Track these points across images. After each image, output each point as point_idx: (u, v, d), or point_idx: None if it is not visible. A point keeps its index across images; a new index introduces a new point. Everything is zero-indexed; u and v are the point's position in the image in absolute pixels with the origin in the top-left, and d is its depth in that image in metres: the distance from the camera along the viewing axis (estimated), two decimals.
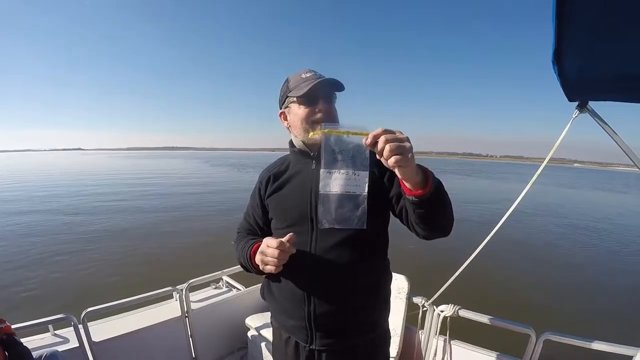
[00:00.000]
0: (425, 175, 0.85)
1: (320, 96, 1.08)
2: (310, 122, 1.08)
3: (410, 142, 0.76)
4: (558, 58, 1.10)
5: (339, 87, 1.11)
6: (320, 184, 0.88)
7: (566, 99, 1.54)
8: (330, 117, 1.09)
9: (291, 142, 1.21)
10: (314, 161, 1.14)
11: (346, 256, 1.07)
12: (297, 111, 1.10)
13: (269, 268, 1.01)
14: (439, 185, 0.88)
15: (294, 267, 1.05)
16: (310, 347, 1.12)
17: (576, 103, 1.58)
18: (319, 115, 1.08)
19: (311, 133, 1.02)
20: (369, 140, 0.77)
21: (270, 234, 1.21)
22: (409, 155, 0.75)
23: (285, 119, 1.18)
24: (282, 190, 1.18)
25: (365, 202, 0.89)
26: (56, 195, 17.76)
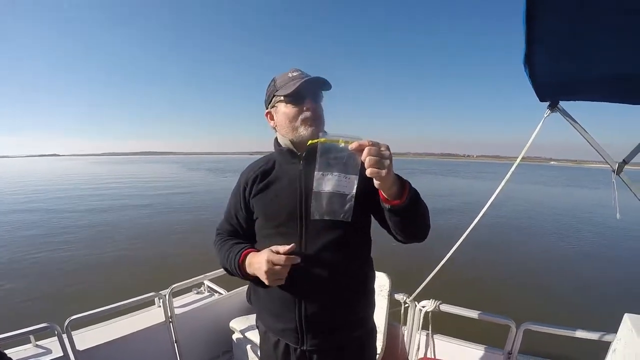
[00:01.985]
0: (403, 187, 0.92)
1: (308, 95, 1.08)
2: (298, 121, 1.09)
3: (390, 158, 0.82)
4: (529, 59, 1.13)
5: (326, 85, 1.12)
6: (315, 184, 0.90)
7: (537, 99, 1.59)
8: (317, 116, 1.10)
9: (277, 141, 1.20)
10: (301, 161, 1.13)
11: (334, 255, 1.07)
12: (285, 110, 1.10)
13: (278, 282, 1.01)
14: (414, 197, 0.93)
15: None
16: (302, 348, 1.12)
17: (547, 103, 1.64)
18: (306, 113, 1.08)
19: (310, 142, 1.00)
20: (353, 146, 0.82)
21: (253, 235, 1.20)
22: (386, 170, 0.81)
23: (272, 118, 1.17)
24: (269, 190, 1.16)
25: (353, 200, 0.92)
26: (34, 200, 17.41)
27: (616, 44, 0.99)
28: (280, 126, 1.15)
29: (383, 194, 0.90)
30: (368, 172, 0.80)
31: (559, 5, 0.85)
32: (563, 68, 1.24)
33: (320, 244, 1.07)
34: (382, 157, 0.81)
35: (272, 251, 1.00)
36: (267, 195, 1.16)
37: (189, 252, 7.81)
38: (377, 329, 1.31)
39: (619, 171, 1.59)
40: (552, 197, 23.61)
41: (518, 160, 1.93)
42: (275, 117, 1.16)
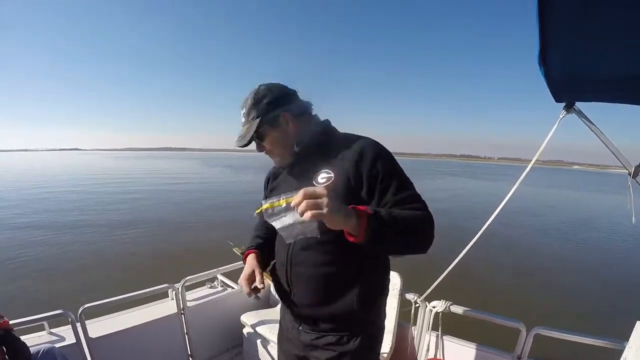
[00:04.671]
0: (361, 222, 0.86)
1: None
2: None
3: (327, 196, 0.81)
4: (543, 59, 1.13)
5: (250, 140, 1.12)
6: (276, 227, 0.91)
7: (553, 100, 1.57)
8: (270, 154, 1.19)
9: None
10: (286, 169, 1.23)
11: (315, 256, 1.09)
12: None
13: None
14: (376, 232, 0.87)
15: (280, 263, 1.19)
16: (300, 338, 1.21)
17: (563, 104, 1.63)
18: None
19: (255, 212, 1.02)
20: (292, 204, 0.84)
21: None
22: (324, 212, 0.80)
23: None
24: (273, 192, 1.22)
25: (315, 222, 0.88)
26: (56, 193, 18.03)
27: (630, 44, 0.97)
28: None
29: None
30: (306, 215, 0.79)
31: (570, 5, 0.85)
32: (577, 68, 1.24)
33: (306, 243, 1.09)
34: (317, 197, 0.81)
35: (252, 272, 1.15)
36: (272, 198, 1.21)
37: (204, 246, 7.94)
38: (386, 327, 1.30)
39: (635, 174, 1.56)
40: (569, 201, 23.31)
41: (532, 161, 1.90)
42: None
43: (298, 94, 1.18)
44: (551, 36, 0.98)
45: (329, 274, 1.09)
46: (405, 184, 1.03)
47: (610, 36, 0.95)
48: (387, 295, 1.23)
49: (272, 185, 1.29)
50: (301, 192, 0.81)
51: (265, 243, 1.29)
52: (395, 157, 1.06)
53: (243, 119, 1.13)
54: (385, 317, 1.26)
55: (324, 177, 1.06)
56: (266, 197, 1.20)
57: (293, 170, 1.18)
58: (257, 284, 1.12)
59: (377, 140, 1.08)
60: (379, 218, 0.87)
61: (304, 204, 0.80)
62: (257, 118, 1.09)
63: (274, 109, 1.10)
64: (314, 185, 0.99)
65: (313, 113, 1.18)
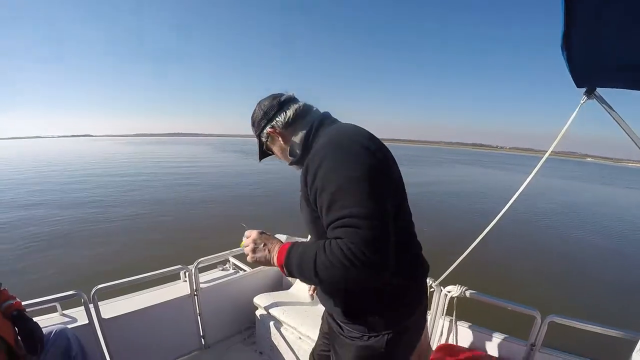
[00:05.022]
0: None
1: None
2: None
3: (251, 244, 1.04)
4: (567, 43, 1.10)
5: (261, 157, 1.25)
6: None
7: (574, 84, 1.53)
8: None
9: None
10: None
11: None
12: None
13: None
14: (290, 274, 0.94)
15: None
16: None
17: (584, 89, 1.57)
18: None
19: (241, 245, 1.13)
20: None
21: None
22: (250, 255, 1.04)
23: None
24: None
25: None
26: (70, 177, 18.45)
27: None
28: None
29: None
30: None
31: None
32: (600, 53, 1.21)
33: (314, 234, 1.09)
34: (245, 245, 1.06)
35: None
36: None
37: (216, 230, 8.05)
38: None
39: None
40: (586, 193, 23.01)
41: (550, 149, 1.85)
42: None
43: (293, 95, 1.17)
44: (575, 20, 0.95)
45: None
46: (334, 202, 0.84)
47: (635, 21, 0.92)
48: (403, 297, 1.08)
49: None
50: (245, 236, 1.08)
51: None
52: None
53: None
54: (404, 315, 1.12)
55: (301, 189, 1.03)
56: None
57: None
58: None
59: (330, 141, 0.95)
60: (288, 266, 0.94)
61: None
62: (257, 137, 1.18)
63: (265, 125, 1.14)
64: (300, 195, 1.05)
65: (313, 108, 1.15)
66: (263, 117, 1.13)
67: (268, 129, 1.12)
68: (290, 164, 1.16)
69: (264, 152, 1.21)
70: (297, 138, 1.10)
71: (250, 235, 1.05)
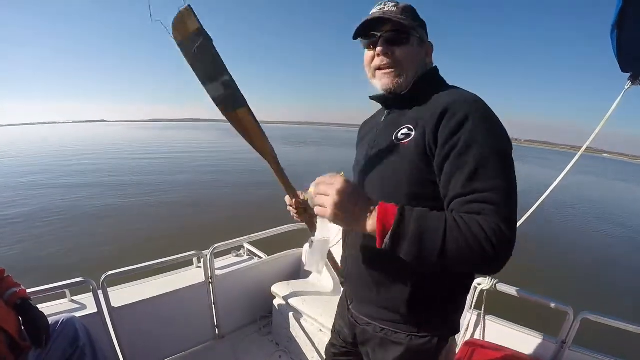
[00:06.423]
0: (381, 226, 0.69)
1: (370, 35, 0.90)
2: (370, 69, 0.93)
3: (335, 195, 0.69)
4: (620, 26, 1.10)
5: (385, 21, 0.86)
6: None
7: (619, 69, 1.51)
8: (383, 64, 0.89)
9: None
10: (386, 111, 1.01)
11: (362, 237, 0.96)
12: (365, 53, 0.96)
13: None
14: (397, 240, 0.67)
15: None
16: (349, 306, 1.09)
17: (628, 74, 1.55)
18: (375, 61, 0.90)
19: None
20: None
21: None
22: (329, 210, 0.70)
23: None
24: (360, 142, 1.12)
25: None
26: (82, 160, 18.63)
27: None
28: None
29: None
30: (315, 211, 0.74)
31: None
32: None
33: None
34: (323, 194, 0.72)
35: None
36: (357, 148, 1.14)
37: (230, 215, 8.01)
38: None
39: None
40: (617, 190, 23.05)
41: (589, 141, 1.79)
42: None
43: None
44: (629, 5, 0.98)
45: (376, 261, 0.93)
46: (486, 169, 0.70)
47: None
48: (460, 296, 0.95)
49: (361, 135, 1.15)
50: (316, 182, 0.75)
51: None
52: None
53: (387, 7, 0.88)
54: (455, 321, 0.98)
55: (403, 133, 0.86)
56: (356, 147, 1.14)
57: (383, 118, 1.01)
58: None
59: (477, 100, 0.78)
60: (399, 231, 0.67)
61: (316, 189, 0.74)
62: (403, 26, 0.86)
63: (421, 26, 0.91)
64: (393, 142, 0.87)
65: None
66: (420, 20, 0.91)
67: (423, 32, 0.91)
68: (412, 81, 0.89)
69: (399, 26, 0.86)
70: (430, 66, 0.95)
71: (333, 182, 0.71)
